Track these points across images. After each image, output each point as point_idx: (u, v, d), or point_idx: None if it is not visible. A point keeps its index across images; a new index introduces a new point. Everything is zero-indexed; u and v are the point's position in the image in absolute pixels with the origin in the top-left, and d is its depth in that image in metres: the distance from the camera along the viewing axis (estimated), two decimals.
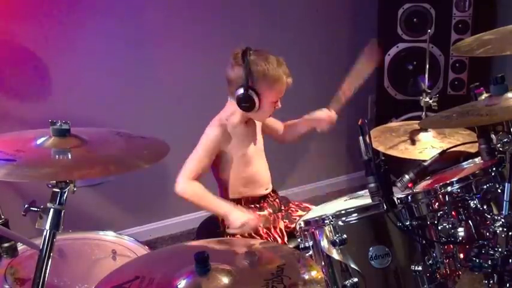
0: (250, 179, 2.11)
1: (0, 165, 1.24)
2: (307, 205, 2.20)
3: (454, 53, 3.25)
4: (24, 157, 1.29)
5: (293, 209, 2.19)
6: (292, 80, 2.07)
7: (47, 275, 1.29)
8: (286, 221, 2.13)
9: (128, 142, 1.49)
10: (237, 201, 2.09)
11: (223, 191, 2.14)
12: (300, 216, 2.05)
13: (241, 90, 1.96)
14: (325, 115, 2.21)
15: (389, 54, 3.34)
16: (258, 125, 2.17)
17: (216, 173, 2.14)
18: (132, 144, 1.49)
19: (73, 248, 1.76)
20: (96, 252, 1.75)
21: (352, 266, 1.47)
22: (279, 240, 2.03)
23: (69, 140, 1.36)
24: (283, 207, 2.18)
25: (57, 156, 1.34)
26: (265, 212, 2.10)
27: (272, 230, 2.06)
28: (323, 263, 1.52)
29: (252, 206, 2.10)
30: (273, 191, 2.21)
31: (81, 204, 2.75)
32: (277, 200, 2.18)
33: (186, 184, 2.00)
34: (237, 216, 1.93)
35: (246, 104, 1.99)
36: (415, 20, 3.26)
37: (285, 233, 2.07)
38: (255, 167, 2.12)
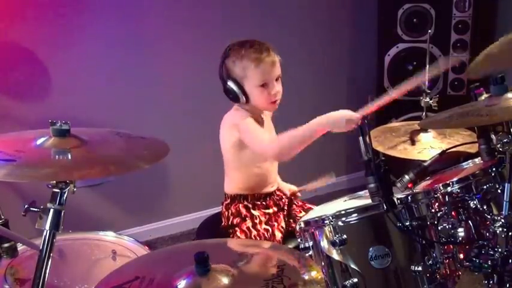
0: (262, 176, 2.11)
1: (0, 165, 1.24)
2: (310, 206, 2.19)
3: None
4: (24, 157, 1.29)
5: (297, 210, 2.19)
6: (278, 57, 2.00)
7: (47, 275, 1.29)
8: (291, 220, 2.14)
9: (127, 142, 1.49)
10: (244, 197, 2.09)
11: (231, 187, 2.13)
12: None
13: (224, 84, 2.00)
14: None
15: (389, 55, 3.35)
16: (269, 121, 2.16)
17: (229, 168, 2.13)
18: (132, 145, 1.49)
19: (73, 248, 1.76)
20: (96, 253, 1.75)
21: (352, 266, 1.47)
22: (279, 236, 2.03)
23: (69, 140, 1.36)
24: (286, 207, 2.18)
25: (57, 156, 1.33)
26: (270, 211, 2.10)
27: (275, 226, 2.06)
28: (323, 263, 1.52)
29: (258, 203, 2.10)
30: (278, 189, 2.20)
31: (81, 204, 2.76)
32: (282, 199, 2.18)
33: (273, 143, 1.93)
34: (337, 117, 1.83)
35: (230, 95, 2.00)
36: (415, 20, 3.27)
37: (283, 231, 2.07)
38: (267, 164, 2.11)
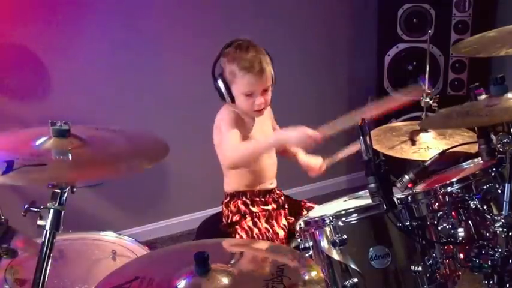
0: (257, 173, 2.11)
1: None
2: (311, 205, 2.19)
3: (454, 53, 3.26)
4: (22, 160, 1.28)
5: (299, 209, 2.18)
6: (271, 69, 1.99)
7: (47, 275, 1.29)
8: (292, 218, 2.13)
9: (127, 141, 1.49)
10: (243, 194, 2.10)
11: (229, 185, 2.14)
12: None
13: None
14: (316, 167, 2.17)
15: (389, 55, 3.35)
16: (268, 120, 2.17)
17: (225, 166, 2.13)
18: (133, 144, 1.49)
19: (73, 248, 1.76)
20: (96, 253, 1.75)
21: (352, 266, 1.47)
22: (281, 233, 2.03)
23: (70, 140, 1.35)
24: (286, 206, 2.18)
25: (57, 157, 1.33)
26: (269, 207, 2.11)
27: (275, 225, 2.06)
28: (323, 263, 1.52)
29: (257, 199, 2.10)
30: (278, 188, 2.21)
31: (81, 204, 2.75)
32: (282, 197, 2.18)
33: (233, 150, 1.97)
34: (292, 135, 1.92)
35: (218, 93, 2.01)
36: (415, 20, 3.27)
37: (286, 229, 2.07)
38: (261, 162, 2.11)
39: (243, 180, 2.11)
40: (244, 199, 2.10)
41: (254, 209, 2.08)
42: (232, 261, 1.27)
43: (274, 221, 2.08)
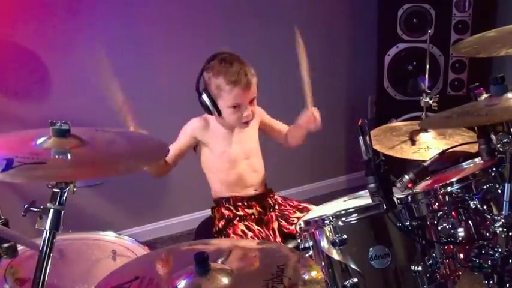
0: (234, 182, 2.12)
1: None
2: (306, 205, 2.19)
3: (454, 53, 3.26)
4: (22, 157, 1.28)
5: (291, 211, 2.17)
6: (255, 79, 2.00)
7: (46, 275, 1.29)
8: (283, 221, 2.13)
9: (128, 142, 1.49)
10: (226, 200, 2.10)
11: (212, 190, 2.17)
12: (298, 217, 2.05)
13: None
14: (306, 115, 2.17)
15: (389, 55, 3.35)
16: (252, 127, 2.15)
17: (205, 172, 2.18)
18: (133, 145, 1.49)
19: (73, 248, 1.76)
20: (96, 253, 1.75)
21: (352, 266, 1.47)
22: (271, 239, 2.03)
23: (69, 140, 1.36)
24: (277, 207, 2.17)
25: (56, 156, 1.33)
26: (254, 210, 2.10)
27: (264, 228, 2.06)
28: (323, 264, 1.52)
29: (240, 203, 2.10)
30: (269, 191, 2.20)
31: (81, 204, 2.76)
32: (268, 199, 2.17)
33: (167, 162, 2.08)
34: None
35: (203, 107, 2.03)
36: (415, 20, 3.27)
37: (277, 233, 2.07)
38: (238, 170, 2.12)
39: (222, 186, 2.13)
40: (227, 205, 2.10)
41: (239, 213, 2.08)
42: (232, 261, 1.27)
43: (263, 224, 2.07)
